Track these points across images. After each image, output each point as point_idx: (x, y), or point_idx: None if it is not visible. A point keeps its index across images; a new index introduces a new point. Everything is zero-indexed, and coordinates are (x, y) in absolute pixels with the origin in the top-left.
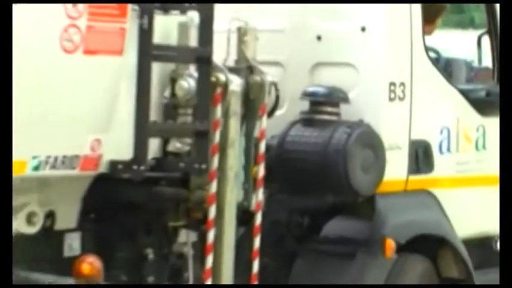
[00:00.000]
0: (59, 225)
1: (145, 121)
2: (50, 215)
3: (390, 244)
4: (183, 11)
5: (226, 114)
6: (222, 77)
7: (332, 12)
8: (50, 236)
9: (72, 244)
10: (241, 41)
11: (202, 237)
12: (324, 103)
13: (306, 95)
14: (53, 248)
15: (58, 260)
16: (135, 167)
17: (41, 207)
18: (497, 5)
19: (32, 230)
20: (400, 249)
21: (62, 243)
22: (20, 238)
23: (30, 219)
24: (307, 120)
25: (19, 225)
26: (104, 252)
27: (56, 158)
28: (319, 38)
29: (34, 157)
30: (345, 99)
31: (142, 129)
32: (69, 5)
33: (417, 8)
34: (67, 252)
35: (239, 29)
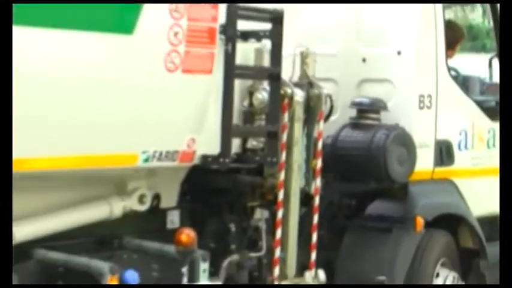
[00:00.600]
0: (163, 204)
1: (229, 124)
2: (156, 197)
3: (420, 221)
4: (259, 39)
5: (291, 119)
6: (288, 90)
7: (374, 39)
8: (156, 213)
9: (173, 219)
10: (303, 63)
11: (273, 214)
12: (367, 111)
13: (354, 104)
14: (158, 222)
15: (162, 231)
16: (221, 160)
17: (149, 190)
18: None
19: (143, 208)
20: (427, 225)
21: (165, 218)
22: (133, 214)
23: (141, 199)
24: (354, 124)
25: (133, 204)
26: (197, 225)
27: (160, 153)
28: (364, 60)
29: (144, 152)
30: (384, 108)
31: (227, 130)
32: (171, 34)
33: (441, 36)
34: (169, 225)
35: (302, 53)
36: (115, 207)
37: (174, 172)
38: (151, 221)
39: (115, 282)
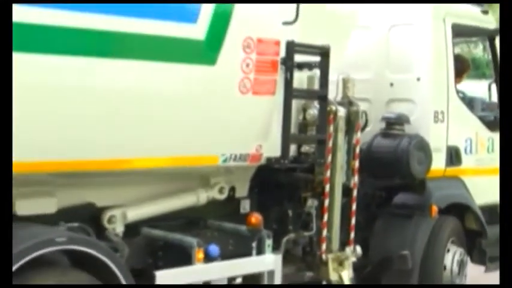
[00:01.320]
0: (237, 194)
1: (288, 134)
2: (232, 189)
3: (434, 209)
4: (311, 68)
5: (336, 130)
6: (333, 108)
7: (399, 68)
8: (232, 201)
9: (245, 206)
10: (345, 86)
11: (321, 203)
12: (394, 123)
13: (384, 118)
14: (233, 208)
15: (236, 215)
16: (281, 161)
17: (227, 184)
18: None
19: (222, 197)
20: (440, 212)
21: (239, 205)
22: (214, 202)
23: (221, 191)
24: (384, 134)
25: (214, 194)
26: (263, 211)
27: (235, 155)
28: (391, 84)
29: (223, 154)
30: (407, 121)
31: (286, 138)
32: (244, 65)
33: (451, 66)
34: (242, 211)
35: (343, 79)
36: (201, 197)
37: (246, 170)
38: (228, 207)
39: (201, 253)
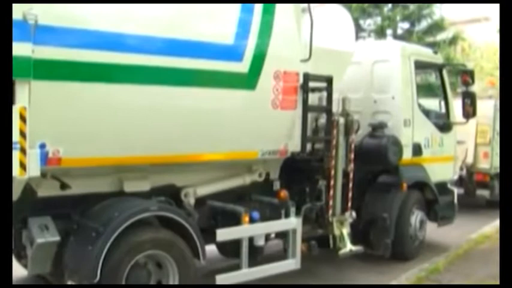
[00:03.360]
0: (271, 177)
1: (305, 135)
2: (267, 174)
3: (404, 185)
4: (320, 91)
5: (337, 133)
6: (336, 118)
7: (380, 90)
8: (267, 182)
9: (276, 185)
10: (344, 103)
11: (328, 183)
12: (377, 128)
13: (370, 124)
14: (268, 187)
15: (270, 192)
16: (301, 154)
17: (264, 170)
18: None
19: (260, 179)
20: (408, 187)
21: (272, 185)
22: (255, 183)
23: (260, 175)
24: (371, 135)
25: (255, 177)
26: (288, 188)
27: (269, 151)
28: (375, 101)
29: (261, 150)
30: (386, 126)
31: (304, 139)
32: (275, 89)
33: (414, 88)
34: (274, 188)
35: (343, 98)
36: (246, 179)
37: (276, 160)
38: (265, 186)
39: (247, 217)
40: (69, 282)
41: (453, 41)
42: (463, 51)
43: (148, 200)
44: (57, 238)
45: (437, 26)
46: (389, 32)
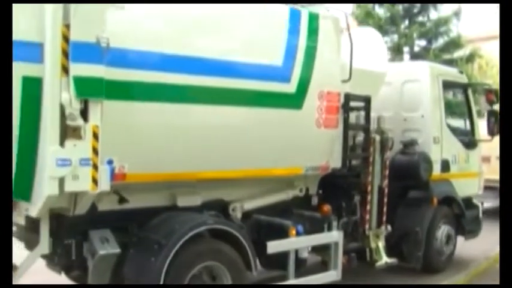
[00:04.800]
0: (310, 192)
1: (346, 152)
2: (307, 189)
3: (435, 200)
4: (358, 110)
5: (374, 150)
6: (372, 135)
7: (409, 108)
8: (307, 197)
9: (315, 200)
10: (379, 121)
11: (364, 198)
12: (408, 145)
13: (401, 142)
14: (307, 202)
15: (308, 206)
16: (342, 170)
17: (304, 185)
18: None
19: (301, 194)
20: (438, 202)
21: (311, 199)
22: (296, 198)
23: (300, 190)
24: (402, 152)
25: (296, 193)
26: (330, 202)
27: (312, 167)
28: (405, 119)
29: (305, 166)
30: (416, 143)
31: (345, 155)
32: (319, 109)
33: (442, 107)
34: (312, 203)
35: (378, 117)
36: (289, 194)
37: (315, 176)
38: (304, 201)
39: (294, 231)
40: None
41: (470, 58)
42: (480, 69)
43: (202, 214)
44: (117, 250)
45: (454, 44)
46: (406, 49)
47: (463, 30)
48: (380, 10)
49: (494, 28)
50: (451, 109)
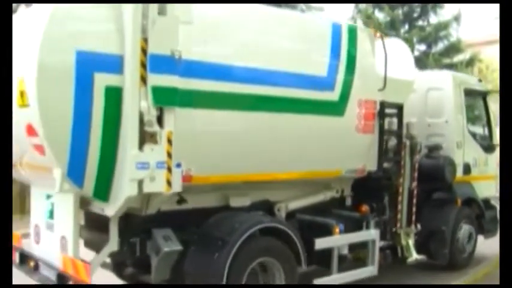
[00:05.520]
0: (345, 193)
1: (381, 156)
2: (342, 190)
3: (458, 201)
4: (391, 117)
5: (404, 154)
6: (403, 140)
7: (433, 114)
8: (342, 197)
9: (348, 201)
10: (408, 127)
11: (395, 199)
12: (433, 149)
13: (426, 146)
14: (342, 202)
15: (342, 206)
16: (378, 172)
17: (340, 187)
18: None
19: (337, 195)
20: (461, 203)
21: (345, 200)
22: (332, 198)
23: (337, 191)
24: (428, 156)
25: (333, 194)
26: (365, 202)
27: (350, 170)
28: (429, 125)
29: (344, 169)
30: (441, 148)
31: (380, 159)
32: (358, 115)
33: (464, 114)
34: (347, 204)
35: (407, 123)
36: (327, 195)
37: (349, 178)
38: (340, 201)
39: (337, 229)
40: None
41: (470, 62)
42: (480, 73)
43: (255, 213)
44: (179, 247)
45: (454, 48)
46: None
47: (463, 35)
48: (380, 14)
49: (494, 32)
50: (471, 115)
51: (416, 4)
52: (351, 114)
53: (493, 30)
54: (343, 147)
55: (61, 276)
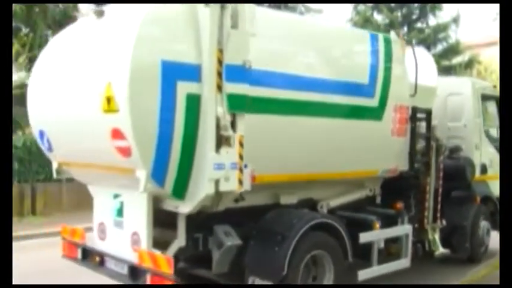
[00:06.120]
0: (375, 192)
1: (413, 157)
2: (373, 189)
3: (478, 199)
4: (421, 121)
5: (432, 155)
6: (431, 143)
7: (453, 118)
8: (372, 196)
9: (378, 199)
10: (433, 130)
11: (423, 196)
12: (454, 151)
13: (448, 148)
14: (373, 200)
15: (374, 204)
16: (409, 172)
17: (372, 186)
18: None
19: (370, 194)
20: (479, 201)
21: (375, 199)
22: (366, 197)
23: (370, 190)
24: (449, 157)
25: (367, 192)
26: (396, 200)
27: (385, 170)
28: (449, 128)
29: (380, 169)
30: (461, 149)
31: (412, 160)
32: (394, 120)
33: (481, 118)
34: (377, 202)
35: (433, 126)
36: (362, 193)
37: (379, 178)
38: (372, 199)
39: (377, 224)
40: (251, 279)
41: (469, 64)
42: (479, 75)
43: (305, 210)
44: (240, 242)
45: (453, 50)
46: None
47: (461, 37)
48: (378, 16)
49: (493, 34)
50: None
51: (415, 6)
52: (388, 118)
53: (492, 32)
54: (380, 149)
55: (133, 269)
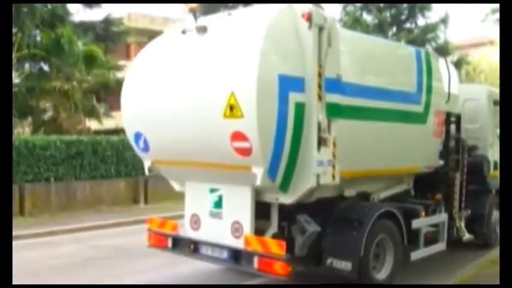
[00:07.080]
0: (409, 186)
1: (448, 155)
2: (409, 183)
3: (493, 191)
4: (451, 124)
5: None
6: (460, 144)
7: (470, 120)
8: (407, 189)
9: (412, 192)
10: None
11: (452, 189)
12: (472, 149)
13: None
14: (408, 193)
15: (409, 196)
16: (444, 168)
17: (409, 180)
18: None
19: (408, 188)
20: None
21: (410, 192)
22: (403, 190)
23: (408, 184)
24: (469, 154)
25: (405, 186)
26: (430, 192)
27: (425, 166)
28: (466, 130)
29: (421, 165)
30: (478, 148)
31: (447, 157)
32: (434, 123)
33: (496, 118)
34: (412, 193)
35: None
36: (403, 187)
37: (413, 174)
38: (408, 192)
39: (423, 213)
40: (329, 260)
41: (458, 64)
42: (468, 75)
43: (367, 201)
44: (319, 228)
45: (441, 50)
46: None
47: (450, 37)
48: (368, 17)
49: (481, 35)
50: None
51: (404, 6)
52: (430, 122)
53: (480, 33)
54: (423, 148)
55: (236, 253)
